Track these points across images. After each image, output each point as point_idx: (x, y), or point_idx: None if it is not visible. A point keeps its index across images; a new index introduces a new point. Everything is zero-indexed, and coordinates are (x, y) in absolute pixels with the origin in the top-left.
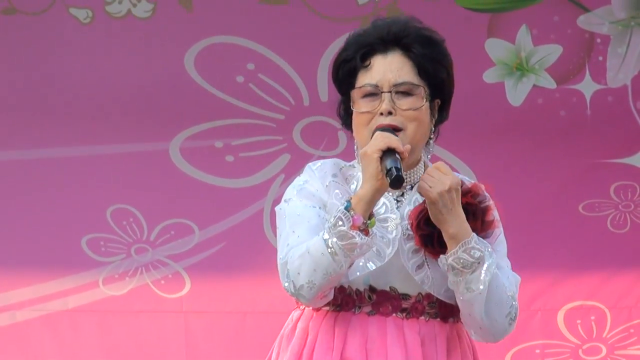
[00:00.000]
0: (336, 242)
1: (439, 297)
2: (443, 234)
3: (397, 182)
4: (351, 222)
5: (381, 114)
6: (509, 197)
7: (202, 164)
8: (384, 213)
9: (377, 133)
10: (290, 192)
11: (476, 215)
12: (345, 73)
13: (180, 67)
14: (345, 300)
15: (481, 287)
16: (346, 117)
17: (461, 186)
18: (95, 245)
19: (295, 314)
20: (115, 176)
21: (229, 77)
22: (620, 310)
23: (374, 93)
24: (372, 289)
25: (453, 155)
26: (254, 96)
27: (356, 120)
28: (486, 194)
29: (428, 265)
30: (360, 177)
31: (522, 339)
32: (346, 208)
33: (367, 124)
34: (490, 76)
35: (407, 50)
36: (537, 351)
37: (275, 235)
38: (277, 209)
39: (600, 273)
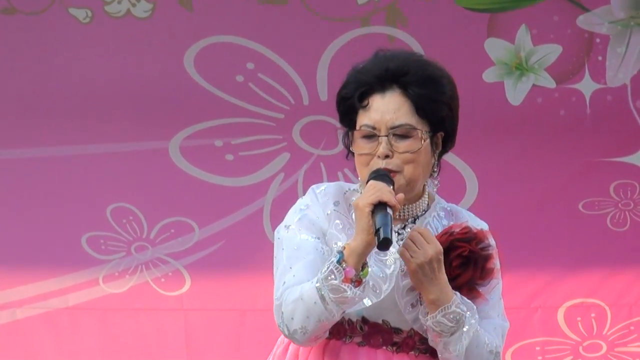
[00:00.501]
0: (328, 293)
1: (427, 336)
2: (424, 298)
3: (383, 246)
4: (343, 276)
5: (378, 156)
6: (509, 195)
7: (202, 163)
8: None
9: (370, 183)
10: (292, 217)
11: (477, 264)
12: (345, 110)
13: (180, 67)
14: (337, 329)
15: (459, 350)
16: (347, 143)
17: (467, 232)
18: (96, 243)
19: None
20: (115, 175)
21: (228, 77)
22: (621, 307)
23: (372, 135)
24: (364, 320)
25: (453, 154)
26: (253, 95)
27: (357, 160)
28: (491, 241)
29: (421, 304)
30: None
31: (523, 336)
32: (338, 261)
33: (367, 164)
34: (489, 76)
35: (405, 89)
36: (538, 348)
37: (273, 231)
38: (276, 233)
39: (600, 271)
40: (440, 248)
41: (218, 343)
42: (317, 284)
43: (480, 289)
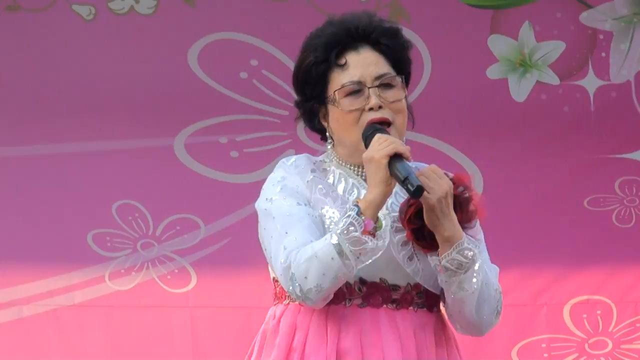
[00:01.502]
0: (348, 247)
1: (428, 287)
2: (436, 236)
3: (418, 192)
4: (363, 227)
5: (371, 109)
6: (514, 192)
7: (207, 160)
8: None
9: (378, 136)
10: (271, 189)
11: (462, 207)
12: (318, 75)
13: (184, 64)
14: (335, 294)
15: (474, 286)
16: (314, 118)
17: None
18: (101, 241)
19: (277, 309)
20: (120, 172)
21: (232, 73)
22: (626, 304)
23: (358, 90)
24: (362, 281)
25: (457, 151)
26: (257, 92)
27: (342, 120)
28: (468, 184)
29: (417, 257)
30: (336, 172)
31: (528, 333)
32: (357, 213)
33: (357, 121)
34: (493, 72)
35: (376, 44)
36: (543, 345)
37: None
38: (259, 207)
39: (605, 268)
40: (451, 183)
41: (224, 340)
42: (333, 240)
43: (468, 232)
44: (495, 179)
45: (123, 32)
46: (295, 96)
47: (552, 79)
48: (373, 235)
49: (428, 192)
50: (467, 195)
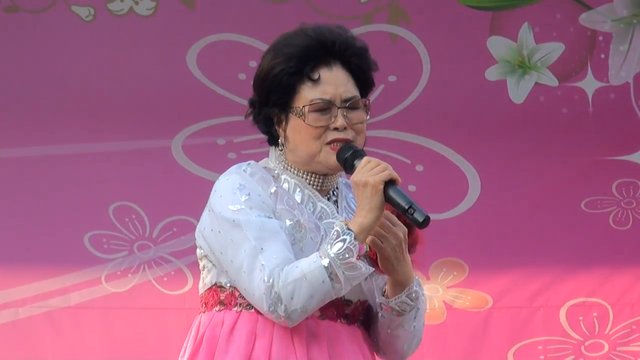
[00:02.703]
0: (343, 271)
1: (371, 304)
2: (388, 280)
3: (426, 223)
4: (357, 252)
5: (336, 128)
6: (511, 194)
7: (204, 161)
8: (328, 217)
9: (367, 159)
10: (233, 197)
11: (408, 234)
12: (289, 84)
13: (183, 65)
14: None
15: (414, 326)
16: (269, 122)
17: None
18: (98, 242)
19: (227, 316)
20: (117, 173)
21: (231, 75)
22: (623, 307)
23: (326, 108)
24: None
25: (455, 153)
26: None
27: (305, 132)
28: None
29: (370, 275)
30: (291, 182)
31: (525, 335)
32: (354, 238)
33: (319, 137)
34: (492, 74)
35: (346, 62)
36: (540, 348)
37: None
38: (222, 215)
39: (602, 270)
40: (405, 228)
41: None
42: (325, 262)
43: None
44: (492, 180)
45: (122, 33)
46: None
47: (551, 80)
48: (358, 257)
49: (382, 243)
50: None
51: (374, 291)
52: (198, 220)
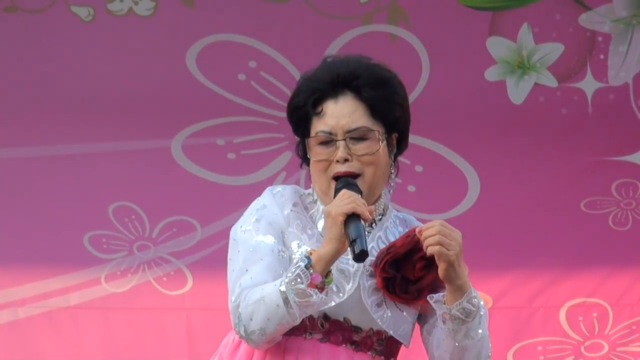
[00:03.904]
0: (293, 297)
1: (394, 335)
2: (448, 287)
3: (360, 258)
4: (309, 280)
5: (337, 161)
6: (511, 194)
7: (204, 162)
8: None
9: (343, 191)
10: (248, 218)
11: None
12: (299, 119)
13: (182, 65)
14: (297, 326)
15: (480, 333)
16: (305, 157)
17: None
18: (98, 243)
19: (236, 336)
20: (117, 174)
21: (230, 75)
22: (622, 307)
23: (329, 140)
24: (325, 317)
25: (455, 153)
26: (255, 94)
27: (313, 166)
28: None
29: (386, 304)
30: (320, 208)
31: (524, 336)
32: (306, 266)
33: (325, 170)
34: (491, 74)
35: (358, 92)
36: (539, 348)
37: None
38: (232, 234)
39: (602, 270)
40: (460, 234)
41: (219, 342)
42: (282, 288)
43: (442, 290)
44: (492, 181)
45: (121, 34)
46: None
47: (551, 81)
48: (321, 289)
49: (448, 249)
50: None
51: (393, 320)
52: (197, 220)
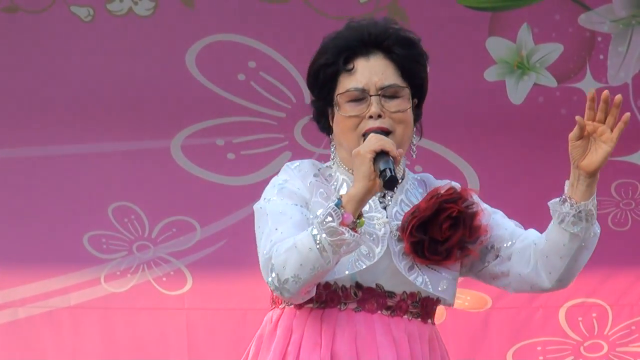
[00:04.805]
0: (325, 237)
1: (437, 294)
2: (588, 182)
3: (391, 183)
4: (341, 219)
5: (370, 117)
6: (510, 195)
7: (204, 162)
8: (368, 211)
9: (372, 135)
10: (271, 191)
11: (465, 223)
12: (326, 77)
13: (182, 65)
14: (331, 297)
15: (598, 230)
16: (324, 120)
17: (452, 193)
18: (97, 243)
19: (274, 314)
20: (117, 174)
21: (230, 75)
22: (622, 307)
23: (361, 97)
24: (358, 286)
25: (454, 153)
26: (255, 94)
27: (342, 124)
28: (475, 199)
29: (417, 266)
30: (339, 178)
31: (524, 336)
32: (337, 205)
33: (355, 128)
34: (491, 74)
35: (388, 52)
36: (539, 348)
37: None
38: (256, 207)
39: (601, 270)
40: None
41: (219, 342)
42: (314, 231)
43: (471, 247)
44: (491, 181)
45: (121, 34)
46: (292, 99)
47: (550, 81)
48: (353, 230)
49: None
50: (471, 211)
51: (429, 280)
52: (197, 220)
